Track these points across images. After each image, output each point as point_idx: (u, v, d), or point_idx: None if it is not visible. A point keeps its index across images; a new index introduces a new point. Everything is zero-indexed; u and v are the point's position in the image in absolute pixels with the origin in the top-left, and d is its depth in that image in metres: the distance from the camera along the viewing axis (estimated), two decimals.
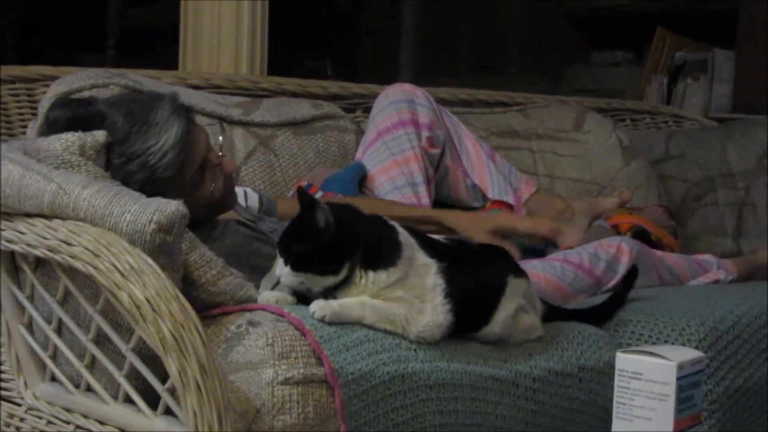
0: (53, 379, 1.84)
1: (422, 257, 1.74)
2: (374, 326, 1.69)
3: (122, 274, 1.55)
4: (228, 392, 1.52)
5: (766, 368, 2.14)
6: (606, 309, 2.13)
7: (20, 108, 2.40)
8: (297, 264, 1.70)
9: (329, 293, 1.70)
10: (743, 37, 4.31)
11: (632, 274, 2.21)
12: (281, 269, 1.72)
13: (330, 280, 1.69)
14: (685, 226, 3.25)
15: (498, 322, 1.81)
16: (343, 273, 1.69)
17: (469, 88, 3.28)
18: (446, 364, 1.73)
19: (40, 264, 1.76)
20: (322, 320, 1.66)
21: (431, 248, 1.76)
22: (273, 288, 1.89)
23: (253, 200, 2.33)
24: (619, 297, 2.16)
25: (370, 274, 1.69)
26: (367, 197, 2.55)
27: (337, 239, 1.69)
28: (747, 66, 4.31)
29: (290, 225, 1.75)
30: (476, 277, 1.79)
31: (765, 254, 2.94)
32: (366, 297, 1.69)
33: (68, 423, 1.79)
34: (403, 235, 1.74)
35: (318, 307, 1.67)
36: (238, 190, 2.22)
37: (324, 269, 1.69)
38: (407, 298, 1.70)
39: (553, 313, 1.98)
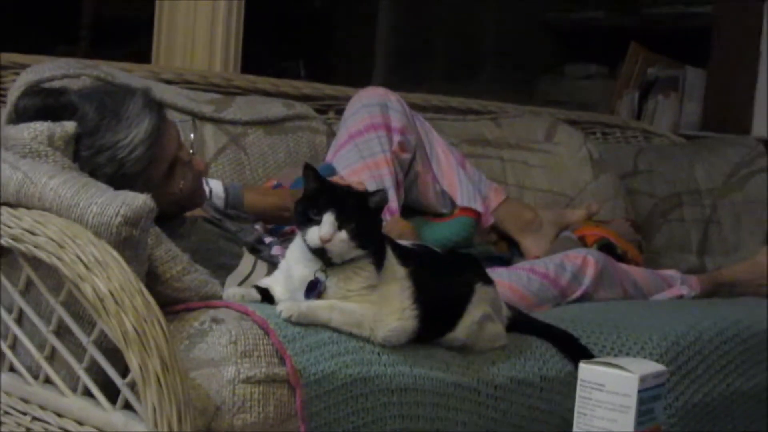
0: (12, 369, 1.82)
1: (394, 263, 1.74)
2: (340, 329, 1.69)
3: (86, 266, 1.53)
4: (189, 389, 1.52)
5: (725, 384, 2.15)
6: (572, 347, 2.01)
7: None
8: (359, 235, 1.68)
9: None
10: (715, 55, 4.34)
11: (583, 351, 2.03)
12: (326, 229, 1.65)
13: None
14: (650, 240, 3.27)
15: (463, 329, 1.81)
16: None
17: (441, 95, 3.28)
18: (409, 369, 1.73)
19: (3, 253, 1.74)
20: (288, 320, 1.65)
21: (401, 254, 1.76)
22: (239, 286, 1.89)
23: (219, 199, 2.32)
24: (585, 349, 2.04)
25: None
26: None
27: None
28: (718, 85, 4.34)
29: (341, 188, 1.76)
30: (444, 283, 1.80)
31: (729, 272, 2.97)
32: (335, 300, 1.69)
33: (25, 414, 1.77)
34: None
35: (285, 307, 1.66)
36: (205, 185, 2.21)
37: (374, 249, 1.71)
38: (377, 302, 1.70)
39: (519, 321, 1.98)
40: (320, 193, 1.69)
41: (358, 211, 1.68)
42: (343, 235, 1.66)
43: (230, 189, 2.35)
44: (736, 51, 4.27)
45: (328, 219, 1.66)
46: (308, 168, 1.71)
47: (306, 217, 1.68)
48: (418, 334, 1.75)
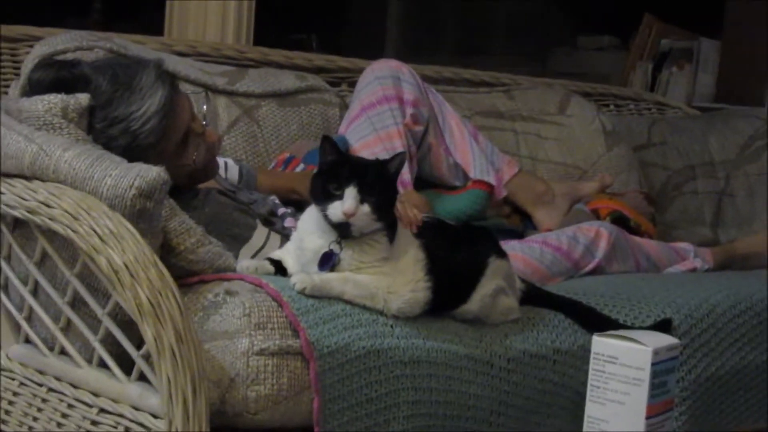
0: (27, 341, 1.83)
1: (407, 234, 1.75)
2: (353, 302, 1.69)
3: (101, 239, 1.54)
4: (203, 360, 1.52)
5: (738, 358, 2.15)
6: (588, 317, 2.00)
7: (2, 68, 2.37)
8: (380, 208, 1.68)
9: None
10: (729, 27, 4.31)
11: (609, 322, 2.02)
12: (350, 203, 1.64)
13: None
14: (664, 213, 3.26)
15: (476, 301, 1.81)
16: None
17: (454, 67, 3.27)
18: (422, 342, 1.73)
19: (18, 225, 1.75)
20: (302, 292, 1.66)
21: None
22: (253, 258, 1.89)
23: (233, 172, 2.32)
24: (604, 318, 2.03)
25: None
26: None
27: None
28: (732, 56, 4.32)
29: (359, 159, 1.74)
30: (457, 255, 1.80)
31: (742, 244, 2.96)
32: (349, 273, 1.69)
33: (41, 385, 1.79)
34: None
35: (298, 279, 1.66)
36: (219, 161, 2.21)
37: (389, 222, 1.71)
38: (390, 273, 1.70)
39: (533, 294, 1.98)
40: (340, 166, 1.68)
41: (378, 182, 1.67)
42: (366, 208, 1.66)
43: (244, 168, 2.35)
44: (750, 22, 4.24)
45: (351, 193, 1.65)
46: (326, 140, 1.70)
47: (326, 192, 1.67)
48: (432, 306, 1.75)
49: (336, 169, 1.67)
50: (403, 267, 1.72)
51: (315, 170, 1.71)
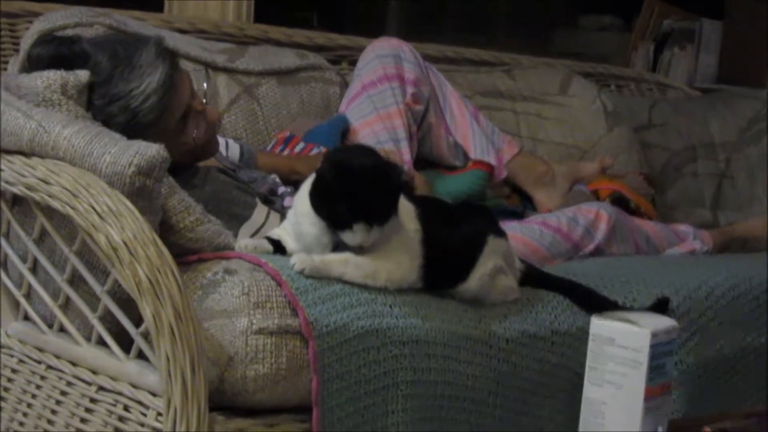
0: (26, 318, 1.83)
1: (407, 209, 1.74)
2: (354, 282, 1.69)
3: (100, 216, 1.54)
4: (202, 339, 1.52)
5: (736, 340, 2.15)
6: (587, 299, 2.00)
7: (2, 44, 2.37)
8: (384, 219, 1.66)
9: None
10: (731, 8, 4.30)
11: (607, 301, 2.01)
12: (361, 237, 1.64)
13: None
14: (664, 194, 3.26)
15: (475, 279, 1.81)
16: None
17: (455, 46, 3.26)
18: (421, 322, 1.73)
19: (17, 202, 1.74)
20: (300, 273, 1.65)
21: (413, 203, 1.76)
22: (252, 236, 1.89)
23: (234, 151, 2.32)
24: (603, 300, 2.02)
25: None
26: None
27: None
28: (734, 37, 4.30)
29: (364, 187, 1.65)
30: (456, 232, 1.79)
31: (742, 227, 2.96)
32: (349, 254, 1.69)
33: (40, 363, 1.79)
34: None
35: (298, 259, 1.66)
36: (220, 140, 2.21)
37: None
38: (391, 249, 1.70)
39: (532, 275, 1.98)
40: (344, 202, 1.64)
41: (383, 200, 1.66)
42: (375, 232, 1.65)
43: (244, 147, 2.35)
44: (752, 3, 4.23)
45: (360, 227, 1.64)
46: (329, 166, 1.66)
47: (333, 219, 1.65)
48: (430, 282, 1.76)
49: (341, 204, 1.64)
50: (402, 240, 1.71)
51: (317, 181, 1.67)
